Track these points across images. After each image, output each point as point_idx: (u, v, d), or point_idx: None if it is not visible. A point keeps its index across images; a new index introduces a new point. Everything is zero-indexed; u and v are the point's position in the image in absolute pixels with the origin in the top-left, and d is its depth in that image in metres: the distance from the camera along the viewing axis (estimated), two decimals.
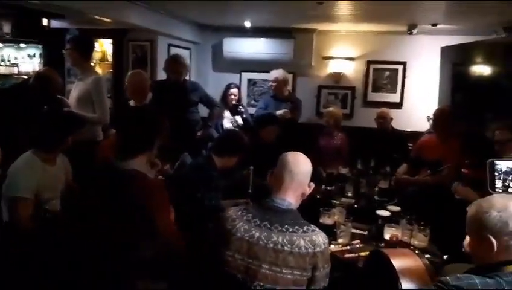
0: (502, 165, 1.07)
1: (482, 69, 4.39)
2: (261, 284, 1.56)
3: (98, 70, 5.31)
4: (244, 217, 1.66)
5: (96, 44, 5.40)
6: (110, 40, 5.35)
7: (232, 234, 1.63)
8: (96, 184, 2.00)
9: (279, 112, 4.43)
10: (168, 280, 1.87)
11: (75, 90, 3.49)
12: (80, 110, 3.31)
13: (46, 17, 5.05)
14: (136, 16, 4.35)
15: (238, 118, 4.59)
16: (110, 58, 5.51)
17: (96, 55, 5.49)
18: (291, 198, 1.71)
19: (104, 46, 5.61)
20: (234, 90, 4.65)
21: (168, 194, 1.97)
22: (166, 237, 1.82)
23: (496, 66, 4.22)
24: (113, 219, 1.79)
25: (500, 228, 1.24)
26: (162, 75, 4.31)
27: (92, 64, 4.43)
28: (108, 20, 4.21)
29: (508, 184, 1.11)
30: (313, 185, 1.79)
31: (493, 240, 1.27)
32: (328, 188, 3.53)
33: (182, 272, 1.91)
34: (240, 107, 4.65)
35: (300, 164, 1.75)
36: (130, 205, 1.78)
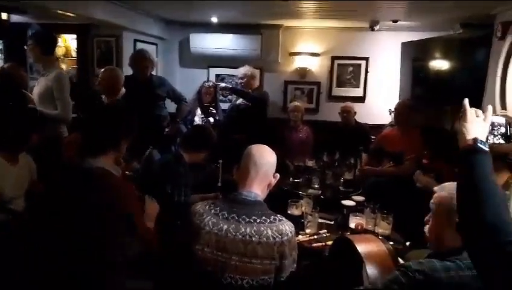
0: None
1: (440, 64, 4.57)
2: (231, 275, 1.60)
3: (62, 66, 5.18)
4: (212, 211, 1.69)
5: (59, 39, 5.27)
6: (74, 36, 5.22)
7: (201, 228, 1.65)
8: (62, 183, 1.97)
9: (238, 101, 4.57)
10: (141, 277, 1.87)
11: (37, 87, 3.40)
12: (42, 106, 3.23)
13: (6, 12, 4.85)
14: (101, 11, 4.26)
15: (211, 119, 4.52)
16: (74, 53, 5.37)
17: (60, 50, 5.35)
18: (257, 190, 1.75)
19: (67, 42, 5.47)
20: (209, 89, 4.55)
21: (137, 191, 1.97)
22: (138, 235, 1.81)
23: (452, 60, 4.41)
24: (79, 218, 1.76)
25: None
26: (128, 71, 4.26)
27: (56, 59, 4.32)
28: (72, 14, 4.11)
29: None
30: (278, 176, 1.83)
31: None
32: (296, 180, 3.61)
33: (154, 268, 1.92)
34: (211, 109, 4.54)
35: (264, 156, 1.79)
36: (97, 204, 1.75)
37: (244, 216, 1.65)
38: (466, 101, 1.23)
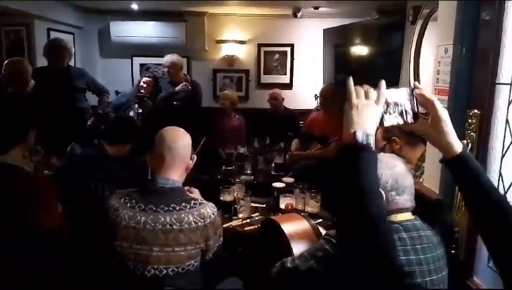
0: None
1: (359, 49, 4.78)
2: (155, 267, 1.55)
3: None
4: (128, 204, 1.61)
5: None
6: None
7: (117, 223, 1.58)
8: None
9: (178, 88, 4.34)
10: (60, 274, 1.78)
11: None
12: None
13: None
14: None
15: None
16: None
17: None
18: (174, 176, 1.68)
19: None
20: (144, 80, 4.40)
21: (53, 187, 1.86)
22: (52, 230, 1.73)
23: (371, 45, 4.62)
24: None
25: (391, 185, 1.30)
26: (42, 62, 3.95)
27: None
28: None
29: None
30: (195, 157, 1.78)
31: (384, 194, 1.28)
32: (228, 168, 3.60)
33: (72, 265, 1.83)
34: (146, 99, 4.42)
35: (178, 138, 1.72)
36: (6, 202, 1.66)
37: (162, 205, 1.59)
38: (349, 80, 0.95)
